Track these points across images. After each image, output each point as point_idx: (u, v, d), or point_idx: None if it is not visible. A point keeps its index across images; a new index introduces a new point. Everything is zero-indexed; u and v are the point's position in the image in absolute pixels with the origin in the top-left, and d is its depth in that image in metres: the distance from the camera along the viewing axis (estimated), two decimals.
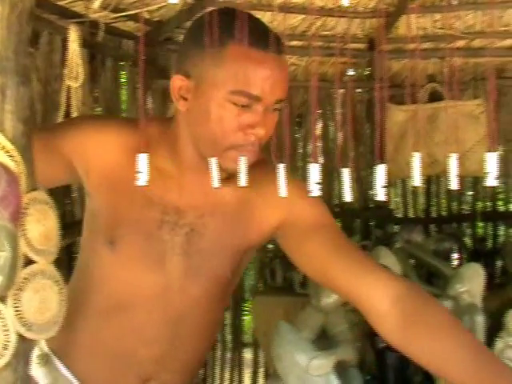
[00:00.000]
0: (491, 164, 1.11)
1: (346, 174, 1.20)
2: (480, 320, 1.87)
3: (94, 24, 3.07)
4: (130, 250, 1.63)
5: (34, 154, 1.64)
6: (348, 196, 1.20)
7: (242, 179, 1.23)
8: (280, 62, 1.51)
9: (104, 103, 3.49)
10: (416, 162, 1.19)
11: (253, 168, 1.38)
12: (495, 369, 1.41)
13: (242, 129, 1.49)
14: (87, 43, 2.98)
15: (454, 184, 1.18)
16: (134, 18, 3.37)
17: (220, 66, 1.47)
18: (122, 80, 3.82)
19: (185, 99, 1.54)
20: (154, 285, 1.65)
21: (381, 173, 1.16)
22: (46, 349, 1.70)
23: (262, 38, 1.46)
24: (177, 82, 1.54)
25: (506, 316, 1.86)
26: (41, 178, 1.69)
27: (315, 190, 1.15)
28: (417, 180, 1.20)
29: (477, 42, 4.24)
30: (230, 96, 1.47)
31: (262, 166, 1.55)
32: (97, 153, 1.62)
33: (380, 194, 1.16)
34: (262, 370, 4.49)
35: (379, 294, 1.49)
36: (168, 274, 1.64)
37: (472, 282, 1.94)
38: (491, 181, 1.12)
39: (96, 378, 1.71)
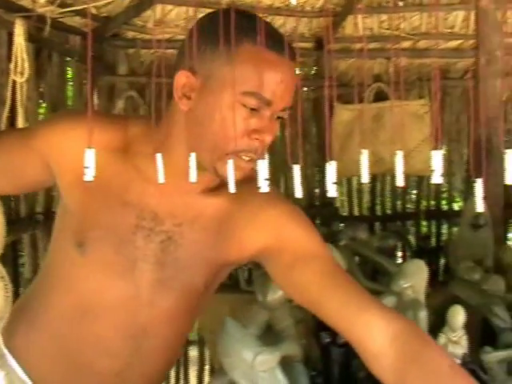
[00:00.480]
0: (436, 162, 1.13)
1: (296, 171, 1.20)
2: (423, 315, 1.90)
3: (41, 18, 3.03)
4: (99, 255, 1.54)
5: (12, 155, 1.63)
6: (299, 192, 1.20)
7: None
8: (292, 69, 1.45)
9: (49, 99, 3.45)
10: (364, 158, 1.20)
11: (240, 185, 1.33)
12: None
13: (247, 133, 1.41)
14: (33, 38, 2.95)
15: (400, 181, 1.19)
16: (81, 13, 3.34)
17: (232, 65, 1.38)
18: (68, 76, 3.79)
19: (188, 98, 1.45)
20: (121, 293, 1.57)
21: (331, 170, 1.16)
22: (2, 347, 1.68)
23: (278, 41, 1.39)
24: (182, 78, 1.44)
25: (449, 312, 1.90)
26: (22, 182, 1.69)
27: (264, 186, 1.16)
28: (364, 177, 1.20)
29: (422, 43, 4.31)
30: (241, 97, 1.38)
31: (249, 184, 1.40)
32: (71, 150, 1.51)
33: (331, 191, 1.17)
34: (207, 368, 4.49)
35: (375, 333, 1.38)
36: (137, 284, 1.56)
37: (415, 278, 1.97)
38: (436, 178, 1.13)
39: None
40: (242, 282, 3.44)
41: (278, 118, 1.47)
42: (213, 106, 1.41)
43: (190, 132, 1.46)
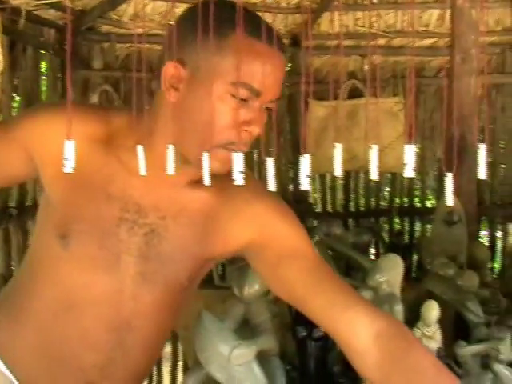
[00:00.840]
0: (409, 156, 1.13)
1: (269, 164, 1.19)
2: (399, 309, 1.92)
3: (16, 11, 3.02)
4: (82, 248, 1.52)
5: None
6: (272, 186, 1.19)
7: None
8: (282, 60, 1.44)
9: (23, 92, 3.43)
10: (338, 152, 1.20)
11: (226, 179, 1.30)
12: None
13: (237, 125, 1.39)
14: (8, 30, 2.93)
15: (374, 174, 1.19)
16: (56, 6, 3.33)
17: (222, 55, 1.37)
18: (42, 69, 3.77)
19: (175, 89, 1.43)
20: (105, 287, 1.55)
21: (305, 162, 1.16)
22: None
23: (266, 32, 1.36)
24: (170, 69, 1.41)
25: (423, 307, 1.91)
26: (3, 176, 1.66)
27: (239, 178, 1.15)
28: (338, 170, 1.20)
29: (397, 41, 4.33)
30: (230, 87, 1.37)
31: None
32: (53, 142, 1.48)
33: (304, 184, 1.16)
34: (181, 364, 4.48)
35: (358, 330, 1.39)
36: (121, 277, 1.55)
37: (391, 273, 1.98)
38: (408, 172, 1.14)
39: (36, 379, 1.63)
40: (215, 278, 3.44)
41: (267, 108, 1.46)
42: (202, 96, 1.40)
43: (177, 124, 1.44)
